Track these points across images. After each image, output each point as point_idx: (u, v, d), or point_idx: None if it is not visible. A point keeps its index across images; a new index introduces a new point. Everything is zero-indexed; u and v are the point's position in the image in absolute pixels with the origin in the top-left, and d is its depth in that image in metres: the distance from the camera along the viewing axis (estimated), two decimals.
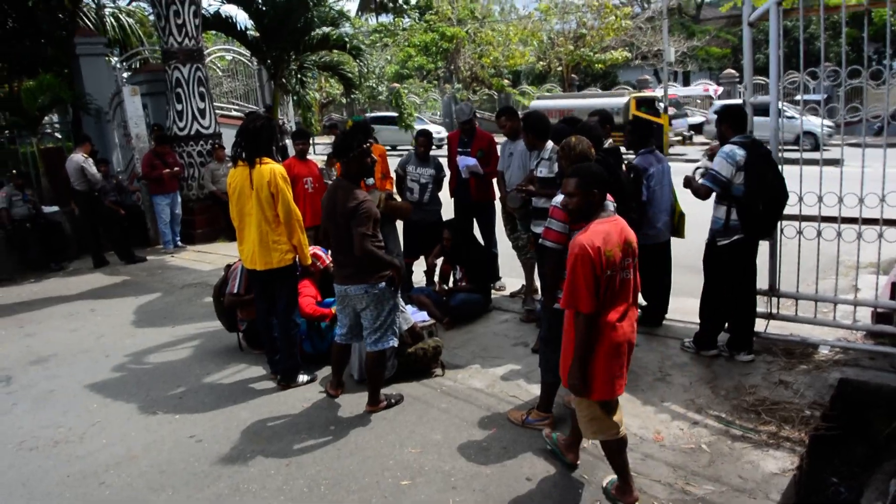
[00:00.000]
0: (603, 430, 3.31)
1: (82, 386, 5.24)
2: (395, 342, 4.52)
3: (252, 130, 4.70)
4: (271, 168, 4.66)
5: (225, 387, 5.08)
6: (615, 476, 3.45)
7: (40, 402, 5.01)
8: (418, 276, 6.90)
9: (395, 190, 6.52)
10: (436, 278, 6.59)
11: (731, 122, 4.77)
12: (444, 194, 6.74)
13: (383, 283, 4.33)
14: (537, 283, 6.35)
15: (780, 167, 4.79)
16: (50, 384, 5.33)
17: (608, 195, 3.83)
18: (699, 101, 27.31)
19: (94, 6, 14.13)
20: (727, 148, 4.66)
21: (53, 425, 4.61)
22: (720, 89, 25.42)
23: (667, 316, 5.74)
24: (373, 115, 27.47)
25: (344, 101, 29.51)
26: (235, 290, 5.38)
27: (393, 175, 6.55)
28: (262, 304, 4.98)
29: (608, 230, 3.18)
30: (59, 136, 13.97)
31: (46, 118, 13.38)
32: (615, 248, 3.14)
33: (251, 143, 4.68)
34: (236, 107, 14.56)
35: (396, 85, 30.83)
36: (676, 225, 5.84)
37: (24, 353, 6.11)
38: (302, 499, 3.58)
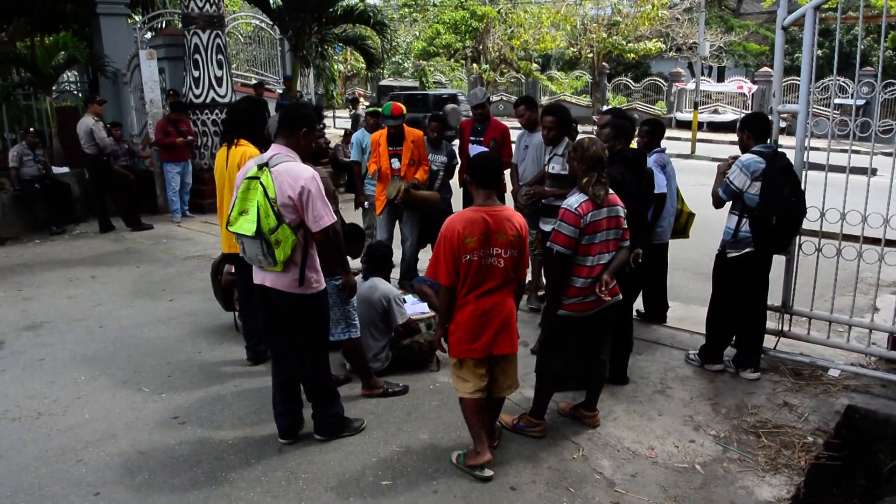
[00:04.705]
0: (459, 388, 3.64)
1: (73, 356, 5.19)
2: (355, 333, 4.44)
3: (235, 111, 4.69)
4: (244, 151, 4.55)
5: (214, 367, 5.00)
6: (462, 452, 3.73)
7: (29, 371, 4.97)
8: (423, 264, 6.73)
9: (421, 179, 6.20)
10: None
11: (753, 131, 4.56)
12: (455, 182, 6.56)
13: (332, 281, 4.18)
14: (544, 281, 6.20)
15: (802, 180, 4.58)
16: (41, 352, 5.29)
17: (615, 198, 3.69)
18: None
19: None
20: (745, 157, 4.45)
21: (39, 396, 4.56)
22: (755, 87, 24.50)
23: (674, 325, 5.60)
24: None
25: (369, 74, 29.22)
26: (233, 270, 5.28)
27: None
28: (244, 287, 4.84)
29: (473, 218, 3.42)
30: (80, 95, 13.90)
31: (66, 75, 13.27)
32: (475, 237, 3.39)
33: (231, 124, 4.67)
34: (257, 75, 14.40)
35: (423, 62, 30.37)
36: (684, 225, 5.69)
37: (20, 317, 6.08)
38: (278, 492, 3.49)
